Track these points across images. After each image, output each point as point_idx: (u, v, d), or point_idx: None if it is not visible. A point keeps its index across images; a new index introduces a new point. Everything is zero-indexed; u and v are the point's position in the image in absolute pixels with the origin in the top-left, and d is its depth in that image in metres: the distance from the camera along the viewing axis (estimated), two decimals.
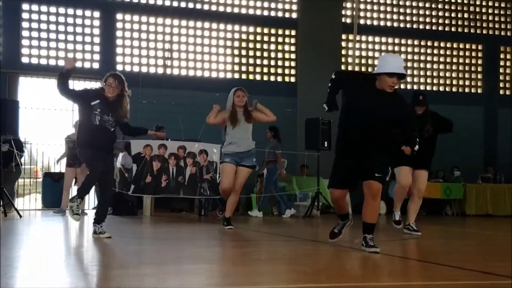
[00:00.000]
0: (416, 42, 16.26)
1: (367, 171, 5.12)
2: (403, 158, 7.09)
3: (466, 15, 16.63)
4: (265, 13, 15.01)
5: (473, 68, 16.69)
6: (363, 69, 15.82)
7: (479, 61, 16.70)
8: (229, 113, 7.50)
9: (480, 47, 16.69)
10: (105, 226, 6.09)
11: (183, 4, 14.39)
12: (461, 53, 16.62)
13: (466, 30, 16.60)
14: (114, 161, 10.94)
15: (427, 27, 16.36)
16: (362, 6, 15.72)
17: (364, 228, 5.20)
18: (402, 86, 15.86)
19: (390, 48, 16.02)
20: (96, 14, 13.79)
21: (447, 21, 16.49)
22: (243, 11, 14.83)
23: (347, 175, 5.27)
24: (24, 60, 13.27)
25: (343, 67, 15.25)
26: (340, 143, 5.39)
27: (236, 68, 14.78)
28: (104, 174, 5.99)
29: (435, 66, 16.41)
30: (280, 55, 15.08)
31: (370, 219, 5.18)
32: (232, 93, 7.57)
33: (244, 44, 14.87)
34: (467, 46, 16.64)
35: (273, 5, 15.01)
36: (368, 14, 15.90)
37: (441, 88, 16.43)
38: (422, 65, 16.29)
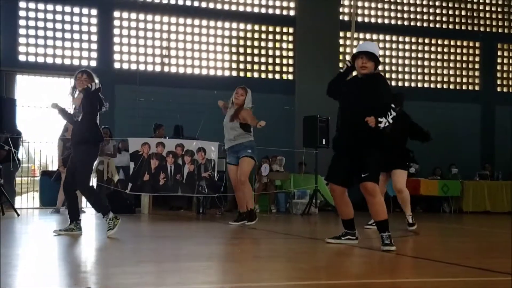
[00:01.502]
0: (413, 40, 16.27)
1: (358, 173, 5.18)
2: None
3: (463, 13, 16.64)
4: (263, 10, 15.00)
5: (470, 66, 16.71)
6: None
7: (477, 59, 16.73)
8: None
9: (477, 44, 16.71)
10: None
11: (180, 2, 14.39)
12: (458, 51, 16.64)
13: (463, 28, 16.61)
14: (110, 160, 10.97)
15: (425, 24, 16.38)
16: (359, 4, 15.72)
17: (377, 227, 5.24)
18: (400, 84, 15.90)
19: (387, 45, 16.03)
20: (94, 12, 13.77)
21: (444, 19, 16.51)
22: (241, 8, 14.82)
23: (341, 171, 5.29)
24: (22, 58, 13.25)
25: (340, 65, 15.27)
26: (334, 138, 5.49)
27: (234, 65, 14.78)
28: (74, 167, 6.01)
29: (432, 63, 16.43)
30: (278, 52, 15.09)
31: (378, 216, 5.17)
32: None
33: (242, 42, 14.87)
34: (465, 43, 16.67)
35: (271, 2, 15.00)
36: (366, 12, 15.91)
37: (439, 86, 16.45)
38: (419, 62, 16.30)
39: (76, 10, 13.66)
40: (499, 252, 5.52)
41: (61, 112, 6.19)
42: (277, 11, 15.13)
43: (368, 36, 15.84)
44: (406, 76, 16.19)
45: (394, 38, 16.15)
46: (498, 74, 16.95)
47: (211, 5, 14.58)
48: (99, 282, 3.47)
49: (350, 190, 5.41)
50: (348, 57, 15.32)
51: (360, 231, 6.72)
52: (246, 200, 7.80)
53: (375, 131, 5.09)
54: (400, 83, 15.94)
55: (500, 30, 16.91)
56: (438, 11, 16.47)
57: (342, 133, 5.34)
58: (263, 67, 14.96)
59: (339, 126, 5.39)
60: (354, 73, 5.57)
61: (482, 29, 16.75)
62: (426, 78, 16.38)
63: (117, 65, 13.86)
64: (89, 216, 9.22)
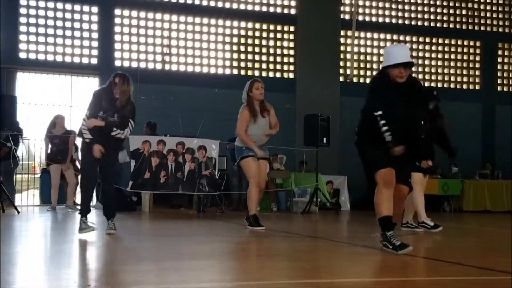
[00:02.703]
0: (414, 39, 16.26)
1: (401, 174, 4.94)
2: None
3: (464, 12, 16.63)
4: (264, 9, 14.99)
5: (471, 65, 16.70)
6: (361, 65, 15.82)
7: (477, 58, 16.72)
8: (248, 108, 7.10)
9: (478, 44, 16.70)
10: (103, 221, 6.09)
11: (181, 0, 14.37)
12: (459, 50, 16.63)
13: (464, 27, 16.60)
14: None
15: (425, 23, 16.37)
16: (360, 3, 15.71)
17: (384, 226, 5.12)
18: None
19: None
20: (95, 9, 13.76)
21: (445, 18, 16.50)
22: (242, 7, 14.81)
23: (389, 156, 4.79)
24: (22, 55, 13.25)
25: (341, 63, 15.26)
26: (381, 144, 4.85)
27: (235, 64, 14.77)
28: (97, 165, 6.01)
29: (433, 62, 16.42)
30: (279, 51, 15.07)
31: (394, 219, 4.98)
32: (248, 85, 7.24)
33: (243, 40, 14.85)
34: (465, 42, 16.66)
35: (272, 1, 14.99)
36: (367, 11, 15.90)
37: (439, 85, 16.43)
38: (420, 61, 16.29)
39: (77, 7, 13.65)
40: (500, 251, 5.52)
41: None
42: (278, 10, 15.12)
43: (369, 35, 15.84)
44: None
45: (394, 37, 16.13)
46: (499, 73, 16.93)
47: (212, 3, 14.58)
48: (100, 280, 3.47)
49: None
50: (348, 56, 15.32)
51: (364, 231, 6.73)
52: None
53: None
54: None
55: (500, 30, 16.90)
56: (439, 10, 16.45)
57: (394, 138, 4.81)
58: (264, 66, 14.95)
59: (388, 125, 4.79)
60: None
61: (482, 28, 16.73)
62: (427, 77, 16.37)
63: (117, 63, 13.85)
64: (89, 215, 9.19)
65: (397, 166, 4.87)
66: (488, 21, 16.80)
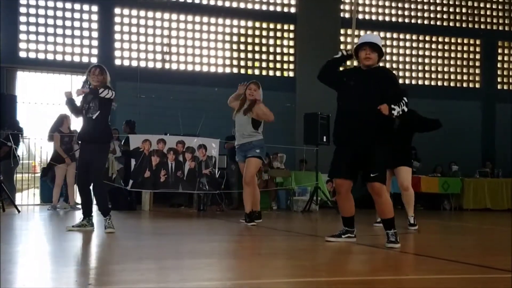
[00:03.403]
0: (414, 37, 16.26)
1: (366, 171, 5.06)
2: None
3: (464, 10, 16.63)
4: (264, 7, 14.99)
5: (471, 63, 16.70)
6: None
7: (477, 56, 16.72)
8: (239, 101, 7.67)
9: (478, 42, 16.70)
10: (103, 220, 6.10)
11: None
12: (459, 48, 16.63)
13: (464, 25, 16.60)
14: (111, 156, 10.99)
15: (425, 22, 16.36)
16: (360, 1, 15.70)
17: (383, 225, 5.22)
18: (400, 81, 15.88)
19: (388, 42, 16.01)
20: (94, 8, 13.76)
21: (445, 16, 16.50)
22: (242, 5, 14.80)
23: (346, 165, 5.13)
24: (22, 54, 13.25)
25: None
26: (335, 132, 5.32)
27: (235, 62, 14.77)
28: (88, 165, 6.12)
29: (433, 61, 16.42)
30: (279, 49, 15.07)
31: (385, 215, 5.13)
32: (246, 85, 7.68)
33: (243, 39, 14.85)
34: (465, 41, 16.65)
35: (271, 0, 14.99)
36: (367, 9, 15.90)
37: (439, 83, 16.44)
38: (420, 59, 16.29)
39: (77, 6, 13.65)
40: (500, 249, 5.53)
41: (69, 102, 6.24)
42: (278, 8, 15.11)
43: (369, 33, 15.81)
44: (407, 74, 16.17)
45: (395, 35, 16.14)
46: (499, 72, 16.93)
47: (212, 2, 14.57)
48: (100, 279, 3.47)
49: (354, 187, 5.36)
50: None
51: (367, 229, 6.75)
52: (254, 202, 7.56)
53: (384, 127, 5.04)
54: (401, 81, 15.91)
55: (500, 28, 16.89)
56: (439, 8, 16.45)
57: (346, 127, 5.16)
58: (264, 64, 14.95)
59: (340, 119, 5.22)
60: (355, 63, 5.52)
61: (482, 26, 16.73)
62: (427, 75, 16.37)
63: (117, 62, 13.86)
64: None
65: (355, 169, 5.15)
66: (488, 19, 16.79)
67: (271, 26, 15.08)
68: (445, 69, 16.52)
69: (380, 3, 15.98)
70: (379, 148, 5.06)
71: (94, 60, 13.61)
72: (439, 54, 16.46)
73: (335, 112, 5.36)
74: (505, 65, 16.99)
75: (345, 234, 5.40)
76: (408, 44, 16.24)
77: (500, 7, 16.90)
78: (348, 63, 5.48)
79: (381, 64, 5.49)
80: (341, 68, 5.72)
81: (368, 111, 5.00)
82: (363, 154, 5.06)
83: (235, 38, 14.81)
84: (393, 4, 16.09)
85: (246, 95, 7.58)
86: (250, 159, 7.48)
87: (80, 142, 6.43)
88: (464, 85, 16.63)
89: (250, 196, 7.53)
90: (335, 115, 5.34)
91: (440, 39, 16.46)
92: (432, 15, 16.40)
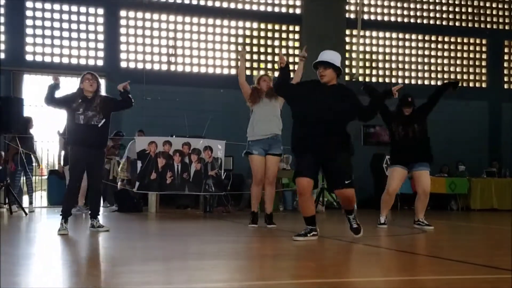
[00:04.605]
0: (420, 37, 16.22)
1: (335, 179, 5.45)
2: (397, 157, 7.16)
3: (469, 10, 16.57)
4: (269, 9, 15.00)
5: (477, 63, 16.65)
6: (367, 64, 15.81)
7: (483, 56, 16.66)
8: (252, 90, 7.23)
9: (484, 42, 16.64)
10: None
11: (187, 1, 14.40)
12: (465, 48, 16.58)
13: (470, 25, 16.54)
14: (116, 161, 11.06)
15: (431, 21, 16.32)
16: (366, 1, 15.69)
17: (347, 212, 5.84)
18: (407, 81, 15.85)
19: (394, 43, 15.99)
20: (100, 11, 13.81)
21: (450, 16, 16.45)
22: (247, 7, 14.82)
23: (310, 167, 5.47)
24: (29, 57, 13.31)
25: (347, 62, 15.24)
26: (295, 141, 5.60)
27: None
28: (91, 168, 6.35)
29: (439, 60, 16.37)
30: (284, 51, 15.07)
31: (351, 206, 5.77)
32: (258, 77, 7.40)
33: (248, 40, 14.86)
34: (471, 40, 16.60)
35: (276, 0, 15.00)
36: (372, 9, 15.88)
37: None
38: (426, 59, 16.25)
39: (83, 9, 13.71)
40: (507, 249, 5.50)
41: (53, 87, 6.68)
42: (283, 9, 15.12)
43: (374, 33, 15.82)
44: (413, 74, 16.13)
45: (400, 35, 16.10)
46: (505, 71, 16.87)
47: (217, 4, 14.59)
48: (107, 281, 3.48)
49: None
50: (354, 55, 15.30)
51: (372, 230, 6.73)
52: (270, 202, 7.35)
53: (346, 135, 5.50)
54: (406, 81, 15.88)
55: (506, 27, 16.82)
56: (444, 8, 16.40)
57: (308, 134, 5.44)
58: (269, 65, 14.95)
59: (302, 129, 5.49)
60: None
61: (488, 26, 16.67)
62: (433, 75, 16.32)
63: (123, 64, 13.90)
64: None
65: (317, 173, 5.57)
66: (494, 19, 16.73)
67: (276, 27, 15.09)
68: (451, 69, 16.47)
69: (385, 3, 15.95)
70: (343, 155, 5.47)
71: (100, 62, 13.67)
72: (445, 54, 16.41)
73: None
74: (511, 65, 16.92)
75: (310, 233, 5.68)
76: (413, 44, 16.20)
77: (506, 6, 16.83)
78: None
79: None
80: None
81: (331, 121, 5.37)
82: (327, 162, 5.43)
83: (240, 40, 14.83)
84: (399, 4, 16.06)
85: (260, 88, 7.21)
86: (274, 158, 7.11)
87: (76, 146, 6.36)
88: (471, 84, 16.57)
89: (273, 196, 7.41)
90: (293, 124, 5.65)
91: (446, 39, 16.41)
92: (437, 15, 16.35)
